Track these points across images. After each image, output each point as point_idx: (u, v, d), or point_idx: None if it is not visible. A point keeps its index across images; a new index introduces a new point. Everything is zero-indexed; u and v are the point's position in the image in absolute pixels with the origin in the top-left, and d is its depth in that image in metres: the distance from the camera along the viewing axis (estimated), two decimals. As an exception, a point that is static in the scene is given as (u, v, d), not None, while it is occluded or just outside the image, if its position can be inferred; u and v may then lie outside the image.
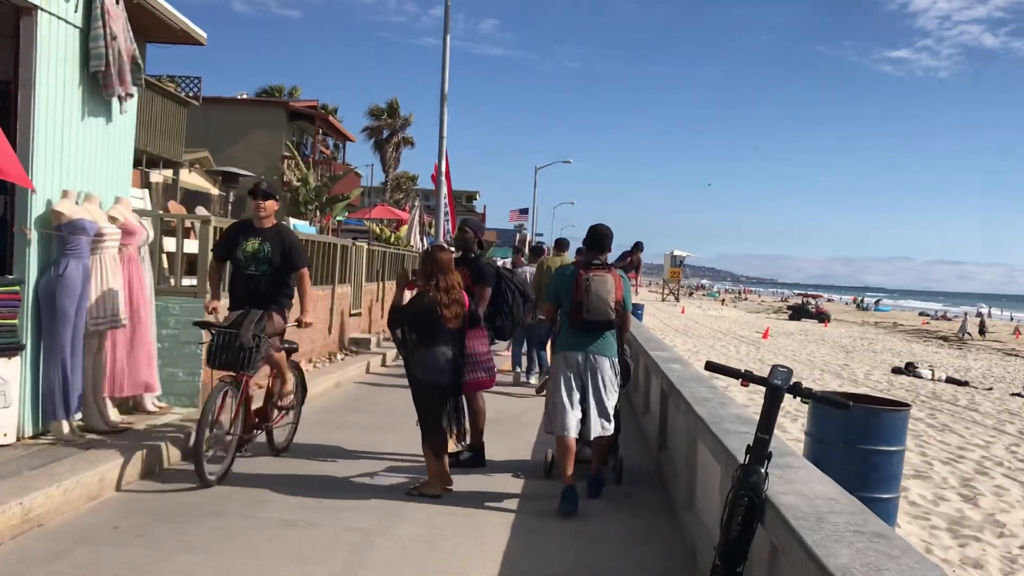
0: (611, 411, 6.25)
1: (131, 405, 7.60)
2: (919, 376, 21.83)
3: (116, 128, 7.57)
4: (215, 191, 28.92)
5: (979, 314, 53.95)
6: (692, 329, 35.63)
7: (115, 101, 7.48)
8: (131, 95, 7.46)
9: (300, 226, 16.00)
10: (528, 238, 68.70)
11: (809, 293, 79.19)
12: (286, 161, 27.91)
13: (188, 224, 9.05)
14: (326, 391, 10.62)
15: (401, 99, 59.83)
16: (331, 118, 33.27)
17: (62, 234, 6.41)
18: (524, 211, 76.35)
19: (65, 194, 6.56)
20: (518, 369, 12.70)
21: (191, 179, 27.30)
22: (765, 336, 33.58)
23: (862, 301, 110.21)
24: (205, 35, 22.73)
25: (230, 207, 17.52)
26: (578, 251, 13.06)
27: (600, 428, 6.21)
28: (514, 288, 7.34)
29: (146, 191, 10.06)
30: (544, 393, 10.97)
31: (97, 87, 7.17)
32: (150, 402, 7.74)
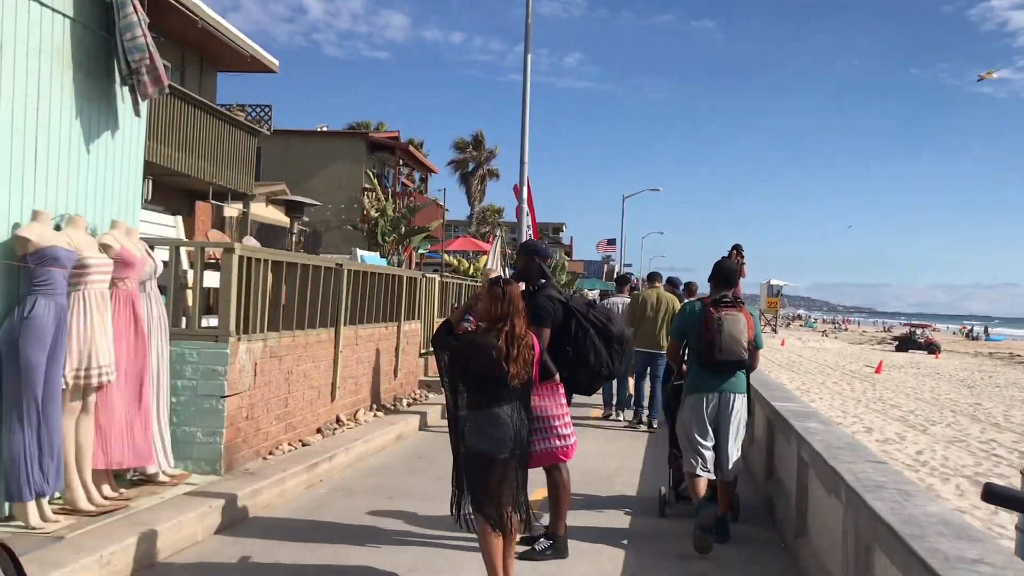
0: (739, 448, 6.12)
1: (133, 475, 6.23)
2: (1067, 417, 19.19)
3: (119, 138, 6.29)
4: (308, 229, 28.10)
5: None
6: (796, 363, 33.18)
7: (119, 107, 6.22)
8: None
9: (369, 258, 14.69)
10: (616, 268, 66.78)
11: (916, 323, 74.96)
12: (366, 193, 26.93)
13: (213, 253, 7.71)
14: (384, 446, 9.12)
15: (487, 134, 59.08)
16: (412, 148, 32.18)
17: (28, 266, 5.08)
18: (612, 241, 74.69)
19: (36, 216, 5.23)
20: (616, 406, 11.99)
21: (268, 213, 26.54)
22: (878, 371, 30.92)
23: (971, 330, 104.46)
24: (276, 62, 21.79)
25: (293, 237, 16.37)
26: (673, 283, 12.37)
27: (729, 466, 6.05)
28: (588, 326, 5.66)
29: (179, 219, 8.83)
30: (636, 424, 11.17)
31: (95, 87, 5.91)
32: (161, 470, 6.36)
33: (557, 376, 5.20)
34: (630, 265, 78.22)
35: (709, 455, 6.04)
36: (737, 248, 14.32)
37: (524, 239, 20.09)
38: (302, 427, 8.21)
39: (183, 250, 7.34)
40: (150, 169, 15.98)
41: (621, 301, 12.37)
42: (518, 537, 5.09)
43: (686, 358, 6.42)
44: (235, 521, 6.02)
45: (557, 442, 5.20)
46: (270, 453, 7.48)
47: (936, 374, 34.98)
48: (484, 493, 4.67)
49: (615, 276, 15.59)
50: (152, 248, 6.60)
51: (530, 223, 30.04)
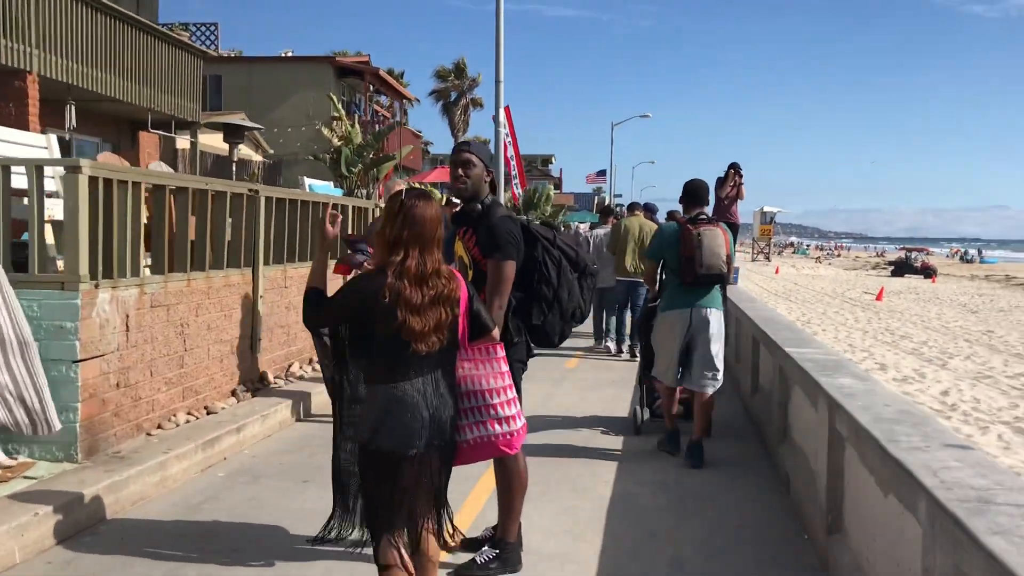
0: (720, 362, 6.09)
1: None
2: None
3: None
4: (257, 157, 26.26)
5: None
6: (792, 292, 31.77)
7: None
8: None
9: (319, 187, 12.99)
10: (607, 200, 65.08)
11: (912, 247, 73.79)
12: (334, 122, 25.02)
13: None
14: (315, 408, 7.61)
15: (471, 62, 56.49)
16: (383, 74, 29.95)
17: None
18: (602, 173, 73.21)
19: None
20: (608, 344, 11.67)
21: (225, 144, 24.74)
22: (879, 298, 29.53)
23: (965, 253, 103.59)
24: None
25: (234, 167, 14.69)
26: (650, 209, 12.05)
27: (709, 379, 6.05)
28: (559, 257, 4.15)
29: (52, 138, 7.15)
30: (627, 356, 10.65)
31: None
32: (-8, 459, 4.84)
33: (495, 333, 3.63)
34: (620, 196, 76.65)
35: (683, 370, 6.12)
36: (734, 167, 12.75)
37: (501, 161, 18.58)
38: (209, 391, 6.69)
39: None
40: (73, 93, 14.23)
41: (604, 232, 12.06)
42: (442, 555, 3.65)
43: (663, 280, 6.42)
44: (81, 527, 4.53)
45: (497, 427, 3.62)
46: (158, 427, 5.96)
47: (937, 299, 33.73)
48: (388, 507, 3.19)
49: (600, 207, 14.78)
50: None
51: (513, 154, 28.32)
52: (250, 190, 7.34)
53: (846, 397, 4.14)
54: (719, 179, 12.22)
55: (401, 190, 3.37)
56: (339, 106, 21.22)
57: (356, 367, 3.39)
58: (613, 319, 11.53)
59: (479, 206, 4.08)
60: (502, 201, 5.30)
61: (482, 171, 4.12)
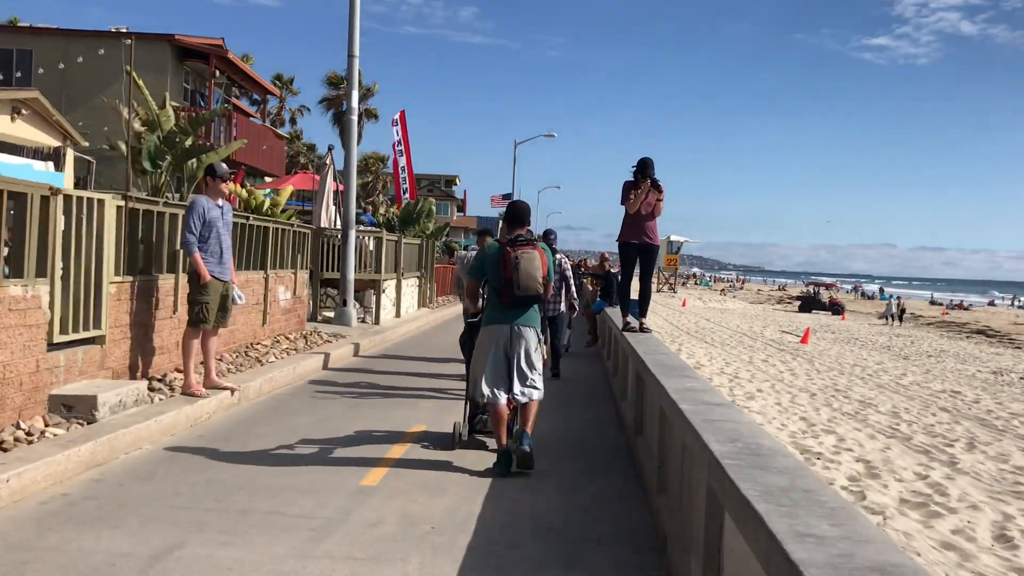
0: (538, 377, 6.38)
1: None
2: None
3: None
4: (58, 145, 21.14)
5: (898, 298, 50.14)
6: (705, 330, 28.01)
7: None
8: None
9: (8, 167, 8.28)
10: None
11: (821, 282, 72.14)
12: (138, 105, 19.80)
13: None
14: None
15: (366, 71, 51.72)
16: (232, 56, 24.70)
17: None
18: (507, 196, 70.36)
19: None
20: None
21: (14, 129, 19.56)
22: (805, 340, 25.99)
23: (855, 288, 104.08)
24: None
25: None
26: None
27: (527, 388, 6.29)
28: None
29: None
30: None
31: None
32: None
33: None
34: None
35: (502, 383, 6.27)
36: (651, 179, 8.63)
37: (353, 167, 14.17)
38: None
39: None
40: None
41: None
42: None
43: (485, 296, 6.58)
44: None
45: None
46: None
47: (856, 340, 30.75)
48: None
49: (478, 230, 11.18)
50: None
51: (405, 164, 23.77)
52: None
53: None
54: (627, 184, 8.30)
55: None
56: (140, 83, 16.31)
57: None
58: None
59: None
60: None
61: None
